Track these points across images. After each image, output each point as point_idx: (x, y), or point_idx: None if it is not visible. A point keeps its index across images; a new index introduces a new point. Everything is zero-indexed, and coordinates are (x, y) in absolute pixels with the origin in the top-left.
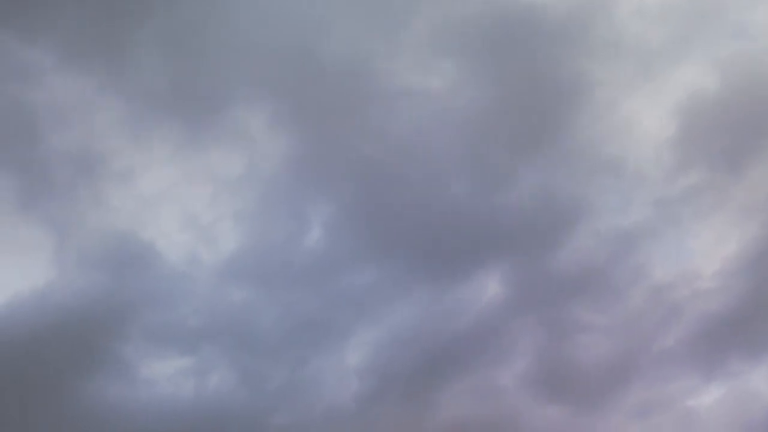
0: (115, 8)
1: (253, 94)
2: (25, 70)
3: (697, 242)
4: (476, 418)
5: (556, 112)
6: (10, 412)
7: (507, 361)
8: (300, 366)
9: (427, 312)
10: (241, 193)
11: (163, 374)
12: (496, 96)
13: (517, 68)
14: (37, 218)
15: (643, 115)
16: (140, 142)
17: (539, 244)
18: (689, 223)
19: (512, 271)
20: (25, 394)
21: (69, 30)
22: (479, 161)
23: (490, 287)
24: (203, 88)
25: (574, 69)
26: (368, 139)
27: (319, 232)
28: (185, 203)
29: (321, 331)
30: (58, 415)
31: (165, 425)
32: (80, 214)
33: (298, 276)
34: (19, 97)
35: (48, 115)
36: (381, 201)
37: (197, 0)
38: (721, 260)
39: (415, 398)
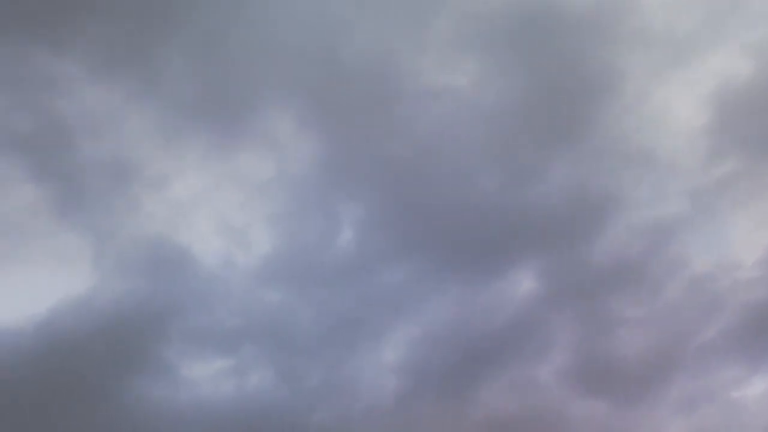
0: (142, 18)
1: (280, 97)
2: (57, 81)
3: (736, 231)
4: (515, 414)
5: (585, 104)
6: (59, 415)
7: (545, 356)
8: (337, 365)
9: (462, 308)
10: (273, 195)
11: (204, 375)
12: (523, 91)
13: (544, 62)
14: (75, 227)
15: (675, 104)
16: (172, 148)
17: (573, 238)
18: (726, 212)
19: (547, 266)
20: (72, 398)
21: (98, 41)
22: (508, 156)
23: (524, 282)
24: (231, 94)
25: (602, 60)
26: (396, 138)
27: (350, 231)
28: (218, 207)
29: (357, 330)
30: (105, 417)
31: (207, 425)
32: (116, 221)
33: (331, 276)
34: (52, 109)
35: (81, 125)
36: (411, 199)
37: (222, 7)
38: (762, 248)
39: (453, 395)
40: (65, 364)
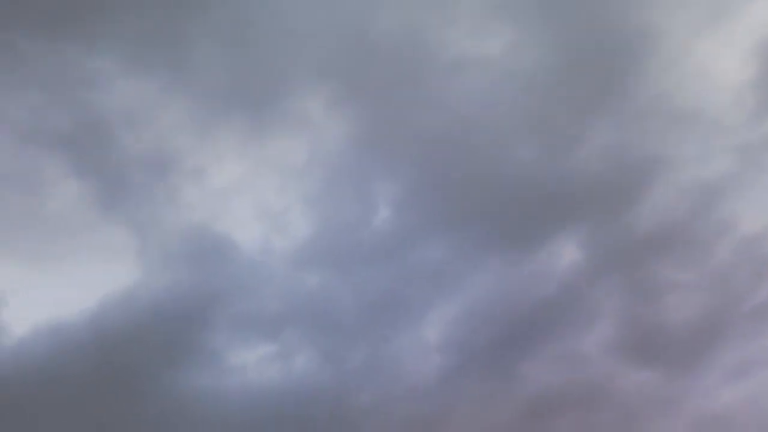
0: (171, 10)
1: (311, 79)
2: (93, 78)
3: None
4: (562, 387)
5: (622, 65)
6: (111, 405)
7: (591, 327)
8: (380, 344)
9: (505, 282)
10: (308, 178)
11: (249, 361)
12: (558, 55)
13: (577, 24)
14: (118, 220)
15: (718, 59)
16: (207, 138)
17: (616, 204)
18: None
19: (589, 234)
20: (123, 388)
21: (130, 36)
22: (545, 124)
23: (567, 252)
24: (262, 80)
25: (637, 19)
26: (428, 111)
27: (387, 210)
28: (255, 193)
29: (398, 309)
30: (155, 406)
31: (254, 410)
32: (157, 212)
33: (370, 256)
34: (90, 105)
35: (118, 119)
36: (447, 173)
37: None
38: None
39: (499, 371)
40: (115, 356)
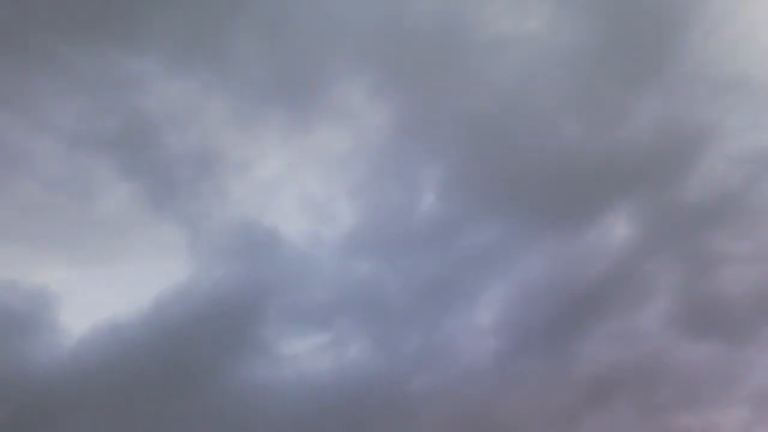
0: (208, 9)
1: (350, 69)
2: (137, 80)
3: None
4: (620, 364)
5: (665, 34)
6: (169, 398)
7: (647, 302)
8: (433, 330)
9: (557, 260)
10: (352, 167)
11: (303, 351)
12: (599, 28)
13: None
14: (168, 218)
15: (765, 24)
16: (251, 133)
17: (666, 176)
18: None
19: (641, 208)
20: (180, 382)
21: (170, 38)
22: (590, 99)
23: (619, 228)
24: (302, 72)
25: None
26: (470, 93)
27: (433, 195)
28: (301, 185)
29: (449, 293)
30: (212, 398)
31: (309, 399)
32: (206, 209)
33: (418, 241)
34: (135, 107)
35: (164, 120)
36: (491, 154)
37: None
38: None
39: (554, 351)
40: (171, 351)
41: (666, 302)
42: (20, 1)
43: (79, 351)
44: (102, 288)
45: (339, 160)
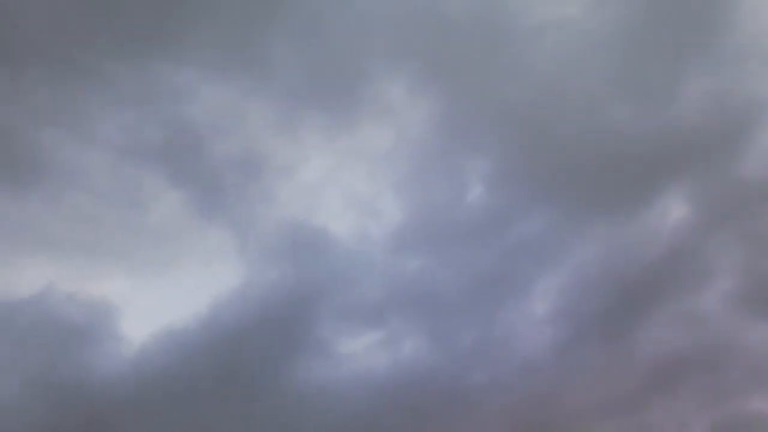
0: (244, 15)
1: (389, 65)
2: (180, 90)
3: None
4: (684, 348)
5: (712, 8)
6: (229, 402)
7: (709, 283)
8: (488, 322)
9: (612, 246)
10: (397, 163)
11: (358, 349)
12: (641, 6)
13: None
14: (217, 225)
15: None
16: (294, 135)
17: (720, 153)
18: None
19: (696, 188)
20: (239, 385)
21: (208, 47)
22: (636, 79)
23: (674, 209)
24: (340, 72)
25: None
26: (512, 82)
27: (479, 186)
28: (346, 184)
29: (503, 285)
30: (270, 400)
31: (367, 396)
32: (254, 213)
33: (468, 234)
34: (180, 116)
35: (207, 127)
36: (538, 142)
37: None
38: None
39: (615, 337)
40: (229, 354)
41: (727, 282)
42: (62, 21)
43: (140, 359)
44: (158, 296)
45: (383, 157)
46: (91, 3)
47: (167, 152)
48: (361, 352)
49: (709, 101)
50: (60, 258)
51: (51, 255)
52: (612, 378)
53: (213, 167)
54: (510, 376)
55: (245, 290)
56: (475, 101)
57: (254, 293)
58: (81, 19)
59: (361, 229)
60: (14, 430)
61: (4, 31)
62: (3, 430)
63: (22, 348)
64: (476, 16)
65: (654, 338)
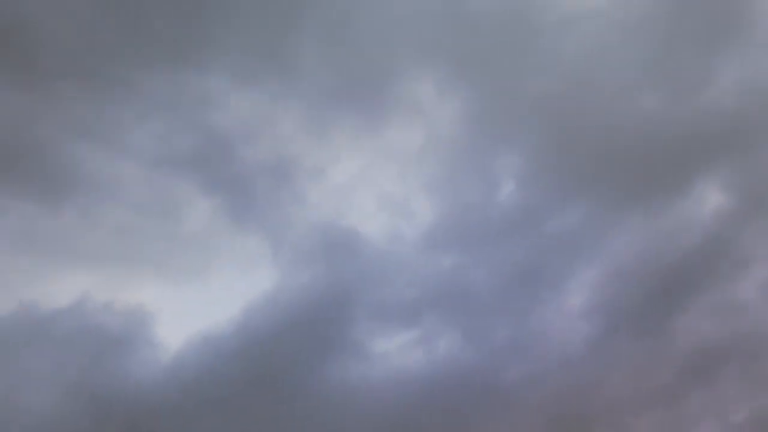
0: (270, 20)
1: (417, 64)
2: (209, 98)
3: None
4: (721, 339)
5: None
6: (265, 404)
7: (745, 272)
8: (523, 318)
9: (646, 237)
10: (427, 162)
11: (393, 348)
12: None
13: None
14: (250, 230)
15: None
16: (323, 137)
17: (756, 139)
18: None
19: (732, 175)
20: (275, 387)
21: (236, 52)
22: (667, 67)
23: (711, 197)
24: (368, 73)
25: None
26: (542, 75)
27: (511, 182)
28: (377, 184)
29: (537, 280)
30: (306, 402)
31: (403, 395)
32: (286, 216)
33: (500, 231)
34: (209, 124)
35: (237, 134)
36: (569, 135)
37: None
38: None
39: (651, 330)
40: (265, 357)
41: (765, 270)
42: (90, 33)
43: (176, 365)
44: (193, 302)
45: (414, 156)
46: (119, 14)
47: (198, 160)
48: (395, 352)
49: (743, 86)
50: (95, 268)
51: (86, 265)
52: (649, 370)
53: (244, 173)
54: (546, 372)
55: (278, 294)
56: (505, 97)
57: (287, 296)
58: (108, 30)
59: (393, 229)
60: None
61: (33, 45)
62: None
63: (61, 357)
64: (503, 11)
65: (691, 329)
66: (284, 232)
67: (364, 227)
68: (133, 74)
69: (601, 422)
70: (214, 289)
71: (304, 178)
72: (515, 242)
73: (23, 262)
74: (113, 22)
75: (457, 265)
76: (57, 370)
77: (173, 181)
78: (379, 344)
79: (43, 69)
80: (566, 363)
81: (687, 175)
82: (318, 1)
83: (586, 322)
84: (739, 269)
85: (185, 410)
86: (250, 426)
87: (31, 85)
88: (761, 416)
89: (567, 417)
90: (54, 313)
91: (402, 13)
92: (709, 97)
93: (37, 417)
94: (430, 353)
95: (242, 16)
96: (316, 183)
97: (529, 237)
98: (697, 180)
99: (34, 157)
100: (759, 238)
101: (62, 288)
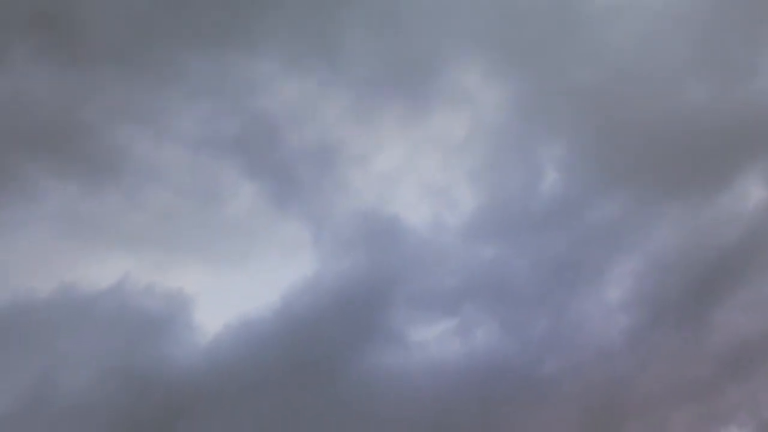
0: (318, 7)
1: (463, 52)
2: (255, 82)
3: None
4: (759, 334)
5: None
6: (303, 389)
7: None
8: (562, 310)
9: (687, 230)
10: (471, 151)
11: (431, 337)
12: None
13: None
14: (292, 215)
15: None
16: (368, 125)
17: None
18: None
19: None
20: (313, 373)
21: (284, 37)
22: (712, 58)
23: (753, 191)
24: (414, 60)
25: None
26: (587, 65)
27: (554, 173)
28: (420, 173)
29: (577, 272)
30: (344, 388)
31: (440, 384)
32: (328, 203)
33: (542, 221)
34: (255, 108)
35: (282, 118)
36: (613, 126)
37: None
38: None
39: (688, 322)
40: (302, 344)
41: None
42: (136, 15)
43: (214, 348)
44: (233, 287)
45: (457, 145)
46: None
47: (242, 144)
48: (434, 340)
49: None
50: (137, 250)
51: (128, 248)
52: (686, 364)
53: (288, 158)
54: (583, 364)
55: (319, 280)
56: (550, 86)
57: (328, 283)
58: (155, 12)
59: (435, 217)
60: (95, 414)
61: (77, 28)
62: (82, 417)
63: (100, 338)
64: (550, 1)
65: (728, 324)
66: (326, 218)
67: (406, 215)
68: (180, 56)
69: (636, 415)
70: (255, 274)
71: (348, 165)
72: (556, 233)
73: (65, 243)
74: (161, 4)
75: (498, 256)
76: (96, 351)
77: (217, 164)
78: (418, 333)
79: (90, 51)
80: (603, 355)
81: (730, 168)
82: None
83: (624, 314)
84: None
85: (223, 394)
86: (286, 411)
87: (77, 68)
88: None
89: (602, 409)
90: (94, 294)
91: (449, 1)
92: (755, 88)
93: (75, 397)
94: (467, 343)
95: (291, 2)
96: (360, 170)
97: (571, 228)
98: (741, 172)
99: (78, 138)
100: None
101: (103, 270)
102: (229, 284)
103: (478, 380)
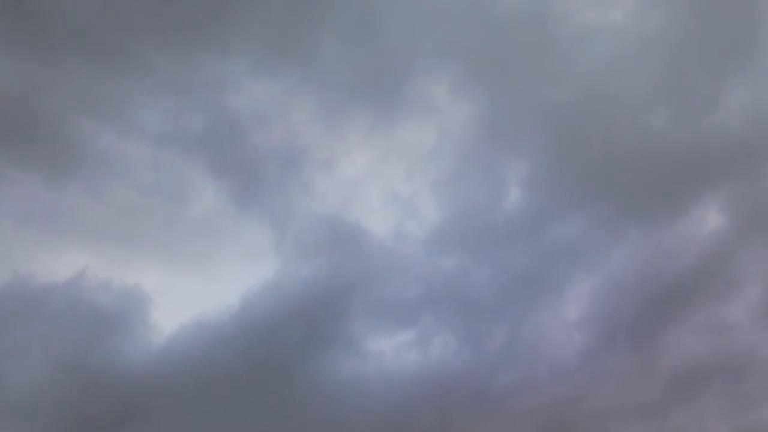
0: (293, 10)
1: (433, 64)
2: (224, 80)
3: None
4: (708, 357)
5: (756, 18)
6: (257, 393)
7: (737, 294)
8: (519, 325)
9: (645, 252)
10: (436, 162)
11: (388, 347)
12: (685, 15)
13: None
14: (254, 217)
15: None
16: (335, 130)
17: (757, 165)
18: None
19: (732, 198)
20: (268, 377)
21: (255, 38)
22: (677, 87)
23: (709, 218)
24: (385, 69)
25: None
26: (555, 85)
27: (517, 189)
28: (384, 181)
29: (536, 288)
30: (298, 393)
31: (395, 394)
32: (291, 207)
33: (503, 236)
34: (222, 106)
35: (249, 119)
36: (577, 147)
37: None
38: None
39: (642, 344)
40: (260, 347)
41: (756, 294)
42: (106, 7)
43: (170, 348)
44: (192, 287)
45: (423, 156)
46: None
47: (207, 143)
48: (391, 350)
49: (749, 111)
50: (96, 245)
51: (88, 242)
52: (637, 383)
53: (253, 158)
54: (536, 380)
55: (279, 284)
56: (518, 103)
57: (287, 287)
58: (126, 5)
59: (397, 226)
60: (44, 410)
61: (44, 17)
62: (32, 410)
63: (54, 331)
64: (522, 18)
65: (680, 346)
66: (289, 221)
67: (368, 223)
68: (147, 51)
69: (588, 431)
70: (214, 275)
71: (313, 169)
72: (517, 249)
73: (23, 234)
74: None
75: (458, 268)
76: (47, 344)
77: (180, 162)
78: (375, 343)
79: (55, 40)
80: (557, 371)
81: (689, 194)
82: None
83: (580, 332)
84: (730, 291)
85: (176, 394)
86: (239, 412)
87: (40, 56)
88: None
89: (555, 424)
90: (49, 287)
91: (423, 12)
92: (716, 118)
93: (23, 392)
94: (425, 354)
95: (266, 4)
96: (325, 175)
97: (532, 244)
98: (699, 199)
99: (41, 129)
100: (752, 261)
101: (60, 263)
102: (188, 284)
103: (432, 391)
